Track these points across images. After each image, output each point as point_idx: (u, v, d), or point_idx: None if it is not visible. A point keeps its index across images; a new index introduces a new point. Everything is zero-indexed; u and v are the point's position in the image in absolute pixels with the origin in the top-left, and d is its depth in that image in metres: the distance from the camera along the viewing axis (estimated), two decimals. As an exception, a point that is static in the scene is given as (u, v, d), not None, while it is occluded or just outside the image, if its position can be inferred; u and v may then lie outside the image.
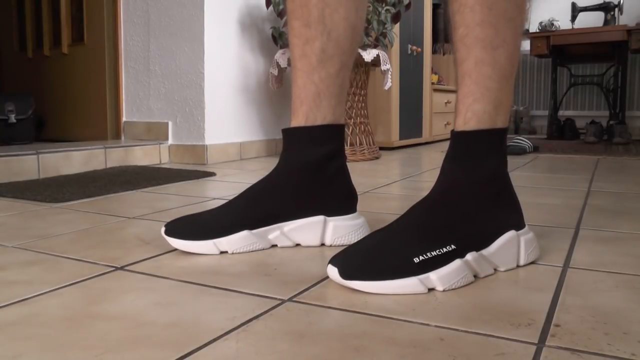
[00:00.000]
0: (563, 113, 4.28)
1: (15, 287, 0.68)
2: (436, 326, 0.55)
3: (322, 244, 0.88)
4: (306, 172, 0.86)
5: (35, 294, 0.65)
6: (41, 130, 2.70)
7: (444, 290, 0.66)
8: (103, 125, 2.40)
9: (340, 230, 0.88)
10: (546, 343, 0.51)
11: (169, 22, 2.19)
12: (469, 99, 0.75)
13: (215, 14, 2.17)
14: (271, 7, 2.29)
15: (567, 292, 0.65)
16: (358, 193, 1.22)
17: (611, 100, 3.75)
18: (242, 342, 0.52)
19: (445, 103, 3.55)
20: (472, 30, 0.74)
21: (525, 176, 1.75)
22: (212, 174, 1.79)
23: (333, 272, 0.67)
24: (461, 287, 0.67)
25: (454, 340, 0.52)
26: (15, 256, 0.82)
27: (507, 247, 0.74)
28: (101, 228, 1.01)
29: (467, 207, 0.73)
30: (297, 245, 0.88)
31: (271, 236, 0.87)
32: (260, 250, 0.86)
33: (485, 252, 0.71)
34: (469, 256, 0.69)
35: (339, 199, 0.89)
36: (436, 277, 0.66)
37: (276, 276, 0.72)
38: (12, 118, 2.33)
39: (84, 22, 2.46)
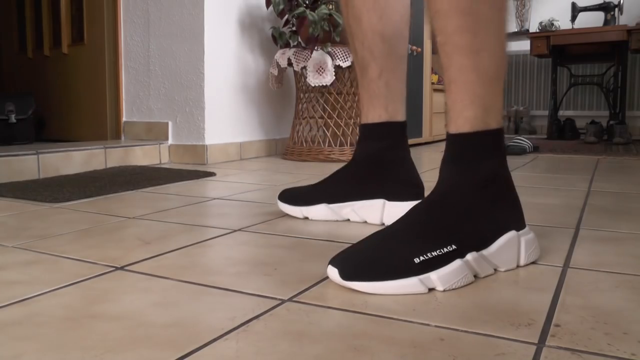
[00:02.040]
0: (563, 113, 4.28)
1: (15, 287, 0.68)
2: (436, 326, 0.55)
3: (383, 224, 1.01)
4: (367, 162, 1.01)
5: (35, 294, 0.65)
6: (41, 130, 2.70)
7: (444, 290, 0.66)
8: (103, 125, 2.40)
9: (394, 214, 0.96)
10: (546, 343, 0.51)
11: (169, 22, 2.19)
12: (459, 106, 0.75)
13: (215, 14, 2.17)
14: (271, 7, 2.29)
15: (567, 292, 0.65)
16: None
17: (611, 100, 3.74)
18: (242, 342, 0.52)
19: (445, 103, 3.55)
20: (450, 37, 0.73)
21: (525, 176, 1.75)
22: (212, 174, 1.79)
23: (333, 273, 0.67)
24: (461, 287, 0.67)
25: (454, 340, 0.52)
26: (15, 256, 0.82)
27: (507, 247, 0.73)
28: (101, 228, 1.01)
29: (466, 207, 0.72)
30: (365, 222, 1.03)
31: (344, 211, 1.05)
32: (335, 221, 1.05)
33: (485, 252, 0.71)
34: (469, 256, 0.69)
35: (399, 186, 1.00)
36: (436, 277, 0.66)
37: (276, 276, 0.72)
38: (12, 118, 2.33)
39: (84, 22, 2.46)
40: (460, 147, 0.75)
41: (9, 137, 2.32)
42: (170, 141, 2.22)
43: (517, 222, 0.76)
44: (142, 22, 2.26)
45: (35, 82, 2.75)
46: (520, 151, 2.57)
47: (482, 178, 0.74)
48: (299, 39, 2.24)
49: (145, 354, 0.49)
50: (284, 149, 2.47)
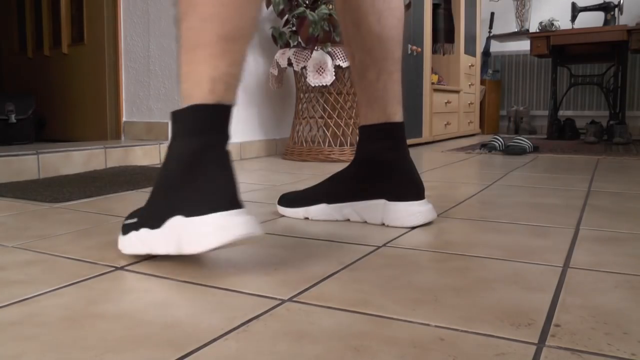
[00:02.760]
0: (563, 113, 4.28)
1: (15, 287, 0.68)
2: (436, 326, 0.55)
3: (383, 224, 1.01)
4: (367, 163, 1.02)
5: (35, 294, 0.65)
6: (41, 130, 2.70)
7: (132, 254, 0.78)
8: (103, 125, 2.40)
9: (394, 214, 1.00)
10: (546, 343, 0.51)
11: (169, 22, 2.19)
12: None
13: (215, 14, 2.17)
14: (271, 7, 2.29)
15: (567, 292, 0.65)
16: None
17: (611, 100, 3.74)
18: (242, 342, 0.52)
19: (446, 103, 3.55)
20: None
21: (525, 176, 1.75)
22: (212, 174, 1.78)
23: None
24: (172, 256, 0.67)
25: (454, 340, 0.52)
26: (15, 256, 0.82)
27: (171, 229, 0.73)
28: (101, 228, 1.01)
29: (158, 183, 0.77)
30: (365, 222, 1.04)
31: (345, 211, 1.05)
32: (335, 221, 1.05)
33: (153, 232, 0.75)
34: (134, 234, 0.77)
35: (399, 186, 1.01)
36: (123, 241, 0.80)
37: (276, 276, 0.72)
38: (13, 118, 2.33)
39: (84, 22, 2.46)
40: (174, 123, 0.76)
41: (9, 137, 2.32)
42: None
43: (200, 205, 0.70)
44: (142, 22, 2.26)
45: (35, 82, 2.75)
46: (520, 151, 2.57)
47: (175, 156, 0.74)
48: (299, 39, 2.24)
49: (145, 354, 0.49)
50: (284, 149, 2.47)
